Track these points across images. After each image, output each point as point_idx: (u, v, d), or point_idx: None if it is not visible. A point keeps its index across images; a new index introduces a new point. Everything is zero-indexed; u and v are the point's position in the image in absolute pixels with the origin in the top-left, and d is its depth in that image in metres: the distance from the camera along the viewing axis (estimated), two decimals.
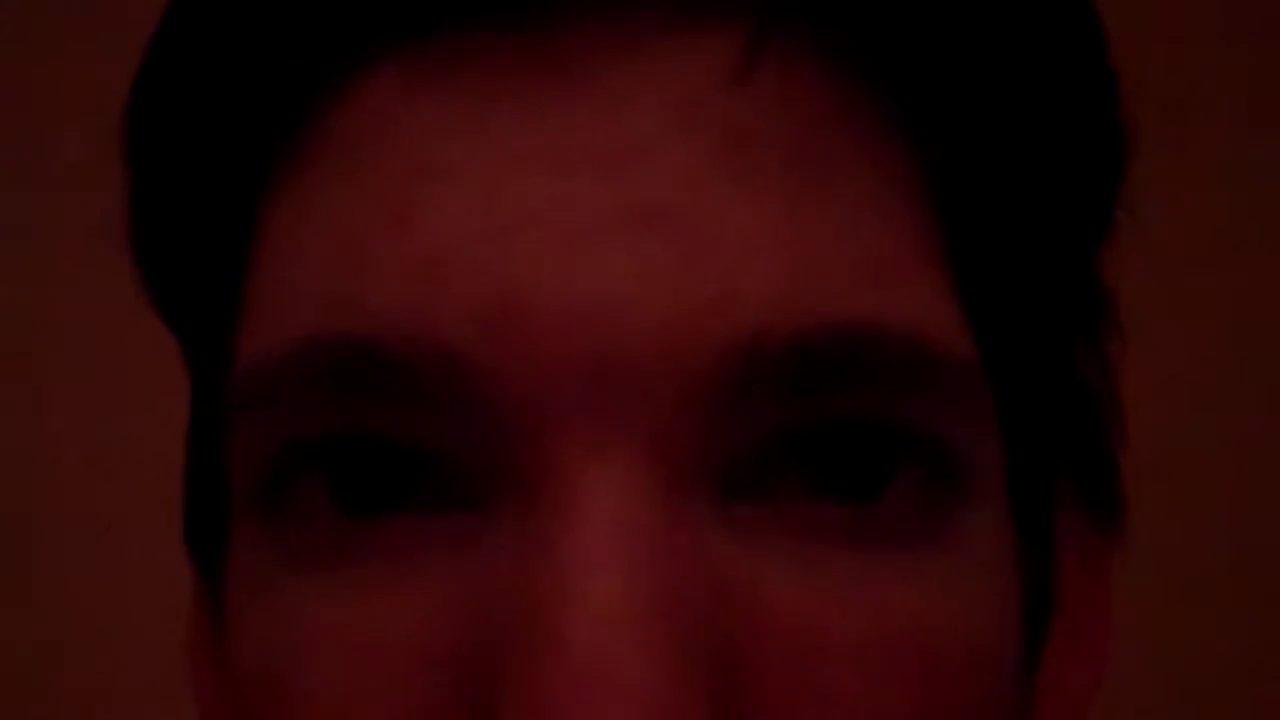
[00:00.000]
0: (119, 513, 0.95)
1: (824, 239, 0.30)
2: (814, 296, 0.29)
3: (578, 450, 0.29)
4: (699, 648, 0.28)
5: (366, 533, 0.31)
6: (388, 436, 0.30)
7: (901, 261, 0.30)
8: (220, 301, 0.34)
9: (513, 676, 0.28)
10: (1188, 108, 0.96)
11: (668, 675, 0.27)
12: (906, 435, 0.30)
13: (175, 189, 0.35)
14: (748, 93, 0.30)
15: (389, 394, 0.30)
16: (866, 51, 0.31)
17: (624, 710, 0.27)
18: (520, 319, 0.29)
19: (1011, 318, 0.33)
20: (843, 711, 0.29)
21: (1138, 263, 0.37)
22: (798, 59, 0.31)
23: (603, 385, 0.29)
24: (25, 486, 0.98)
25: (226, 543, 0.34)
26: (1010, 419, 0.33)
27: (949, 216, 0.32)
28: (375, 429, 0.30)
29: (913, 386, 0.30)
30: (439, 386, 0.29)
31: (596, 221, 0.29)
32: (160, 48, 0.35)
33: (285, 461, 0.31)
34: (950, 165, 0.32)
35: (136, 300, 0.38)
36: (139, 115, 0.36)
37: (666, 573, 0.28)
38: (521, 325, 0.29)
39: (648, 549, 0.28)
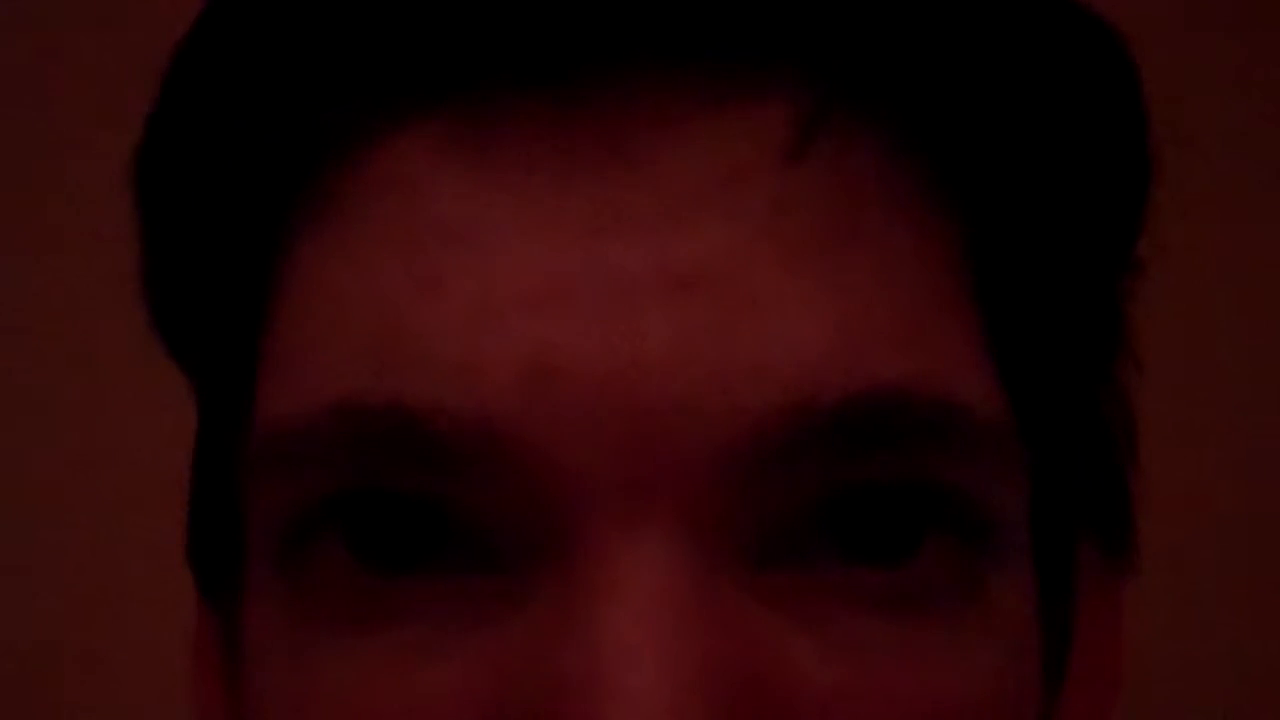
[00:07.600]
0: (120, 517, 0.95)
1: (861, 303, 0.30)
2: (852, 362, 0.29)
3: (614, 523, 0.29)
4: None
5: (390, 592, 0.30)
6: (415, 493, 0.30)
7: (938, 322, 0.30)
8: (236, 351, 0.34)
9: None
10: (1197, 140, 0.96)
11: None
12: (940, 499, 0.30)
13: (191, 236, 0.35)
14: (798, 168, 0.30)
15: (423, 457, 0.29)
16: (913, 122, 0.31)
17: None
18: (556, 387, 0.29)
19: (1041, 368, 0.33)
20: None
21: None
22: (850, 134, 0.30)
23: (639, 455, 0.28)
24: (24, 490, 0.97)
25: (241, 581, 0.34)
26: (1038, 470, 0.33)
27: (982, 271, 0.32)
28: (406, 489, 0.30)
29: (948, 448, 0.30)
30: (475, 453, 0.29)
31: (632, 286, 0.29)
32: (177, 90, 0.34)
33: (308, 520, 0.31)
34: (986, 223, 0.32)
35: (135, 308, 0.37)
36: (154, 155, 0.35)
37: (702, 653, 0.28)
38: (558, 394, 0.29)
39: (684, 629, 0.28)
